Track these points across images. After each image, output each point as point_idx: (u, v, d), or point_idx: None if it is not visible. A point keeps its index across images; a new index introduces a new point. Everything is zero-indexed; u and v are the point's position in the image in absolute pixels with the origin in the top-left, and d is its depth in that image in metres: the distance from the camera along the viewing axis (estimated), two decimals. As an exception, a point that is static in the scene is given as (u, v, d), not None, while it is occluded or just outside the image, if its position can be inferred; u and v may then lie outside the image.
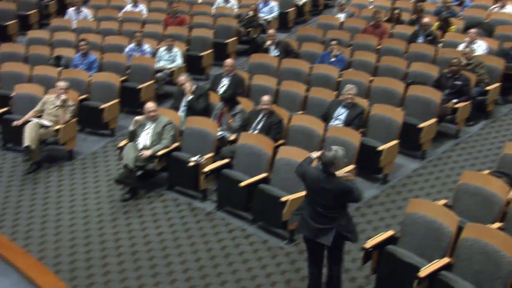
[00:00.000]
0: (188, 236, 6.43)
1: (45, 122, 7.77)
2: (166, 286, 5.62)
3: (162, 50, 9.94)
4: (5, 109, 8.48)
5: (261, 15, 12.05)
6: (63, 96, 7.86)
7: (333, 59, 9.33)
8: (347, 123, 7.38)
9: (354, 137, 6.88)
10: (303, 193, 6.13)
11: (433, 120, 7.64)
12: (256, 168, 6.67)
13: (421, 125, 7.50)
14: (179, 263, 5.97)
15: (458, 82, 8.09)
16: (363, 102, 7.71)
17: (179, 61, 9.86)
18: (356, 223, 5.14)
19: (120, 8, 12.64)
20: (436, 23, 10.55)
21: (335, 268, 5.15)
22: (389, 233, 5.42)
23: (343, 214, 4.96)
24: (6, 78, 9.31)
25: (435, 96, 7.81)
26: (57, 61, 9.83)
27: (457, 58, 8.28)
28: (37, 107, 8.03)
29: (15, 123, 7.89)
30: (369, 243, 5.30)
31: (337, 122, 7.49)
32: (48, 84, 8.73)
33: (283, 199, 6.06)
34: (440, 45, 9.82)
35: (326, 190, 4.84)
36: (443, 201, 5.90)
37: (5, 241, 6.29)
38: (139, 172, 7.23)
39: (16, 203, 7.14)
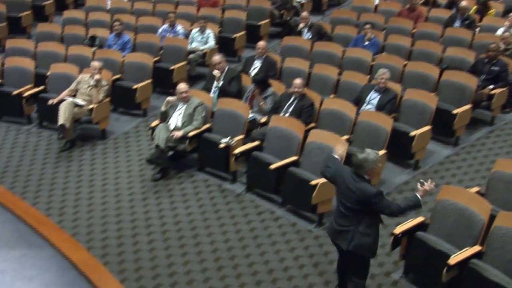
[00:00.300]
0: (217, 217, 6.49)
1: (79, 101, 7.89)
2: (195, 266, 5.69)
3: (195, 31, 9.96)
4: (41, 88, 8.64)
5: (294, -3, 11.96)
6: (97, 76, 7.97)
7: (366, 43, 9.22)
8: (379, 107, 7.30)
9: (386, 122, 6.81)
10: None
11: (467, 106, 7.51)
12: (286, 151, 6.67)
13: (455, 111, 7.38)
14: (208, 244, 6.03)
15: (495, 68, 7.91)
16: (396, 87, 7.61)
17: (211, 42, 9.87)
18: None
19: (154, -11, 12.68)
20: (474, 7, 10.31)
21: (352, 283, 4.86)
22: (419, 219, 5.38)
23: (365, 222, 4.61)
24: (42, 57, 9.47)
25: (470, 81, 7.66)
26: (91, 41, 9.96)
27: (495, 43, 8.08)
28: (72, 86, 8.15)
29: (50, 101, 8.03)
30: (399, 229, 5.27)
31: (369, 106, 7.41)
32: (82, 63, 8.85)
33: (313, 182, 6.05)
34: (478, 29, 9.61)
35: (351, 191, 4.59)
36: (475, 189, 5.82)
37: (40, 217, 6.45)
38: (170, 153, 7.32)
39: (51, 180, 7.29)
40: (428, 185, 4.59)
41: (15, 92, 8.48)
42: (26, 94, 8.48)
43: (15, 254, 5.86)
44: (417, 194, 4.57)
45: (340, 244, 4.75)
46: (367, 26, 9.28)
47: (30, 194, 6.96)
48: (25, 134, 8.46)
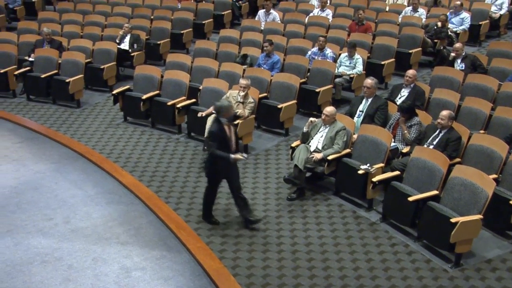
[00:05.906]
0: (349, 243, 6.40)
1: (226, 116, 8.23)
2: (322, 290, 5.65)
3: (343, 56, 10.00)
4: (193, 100, 9.16)
5: (450, 26, 11.55)
6: (244, 93, 8.28)
7: (527, 78, 8.64)
8: (535, 148, 6.78)
9: (542, 164, 6.30)
10: (476, 216, 5.82)
11: None
12: (427, 184, 6.43)
13: None
14: (337, 269, 5.96)
15: None
16: (557, 127, 7.03)
17: (359, 68, 9.83)
18: None
19: (307, 12, 12.97)
20: None
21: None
22: None
23: None
24: (197, 72, 10.05)
25: None
26: (243, 59, 10.39)
27: None
28: (221, 102, 8.54)
29: (199, 114, 8.49)
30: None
31: (523, 146, 6.92)
32: (232, 80, 9.26)
33: (453, 220, 5.76)
34: None
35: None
36: None
37: (180, 222, 6.80)
38: (308, 174, 7.36)
39: (193, 188, 7.67)
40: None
41: (170, 103, 9.08)
42: (180, 105, 9.03)
43: (155, 255, 6.23)
44: (231, 156, 6.46)
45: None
46: (529, 60, 8.70)
47: (173, 200, 7.37)
48: (174, 143, 9.00)
